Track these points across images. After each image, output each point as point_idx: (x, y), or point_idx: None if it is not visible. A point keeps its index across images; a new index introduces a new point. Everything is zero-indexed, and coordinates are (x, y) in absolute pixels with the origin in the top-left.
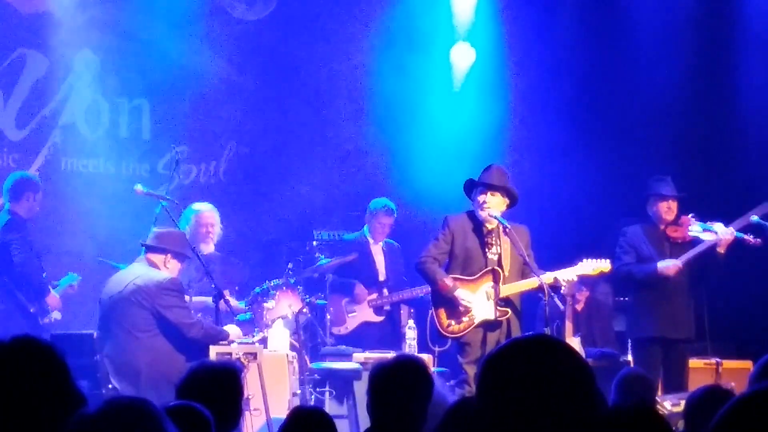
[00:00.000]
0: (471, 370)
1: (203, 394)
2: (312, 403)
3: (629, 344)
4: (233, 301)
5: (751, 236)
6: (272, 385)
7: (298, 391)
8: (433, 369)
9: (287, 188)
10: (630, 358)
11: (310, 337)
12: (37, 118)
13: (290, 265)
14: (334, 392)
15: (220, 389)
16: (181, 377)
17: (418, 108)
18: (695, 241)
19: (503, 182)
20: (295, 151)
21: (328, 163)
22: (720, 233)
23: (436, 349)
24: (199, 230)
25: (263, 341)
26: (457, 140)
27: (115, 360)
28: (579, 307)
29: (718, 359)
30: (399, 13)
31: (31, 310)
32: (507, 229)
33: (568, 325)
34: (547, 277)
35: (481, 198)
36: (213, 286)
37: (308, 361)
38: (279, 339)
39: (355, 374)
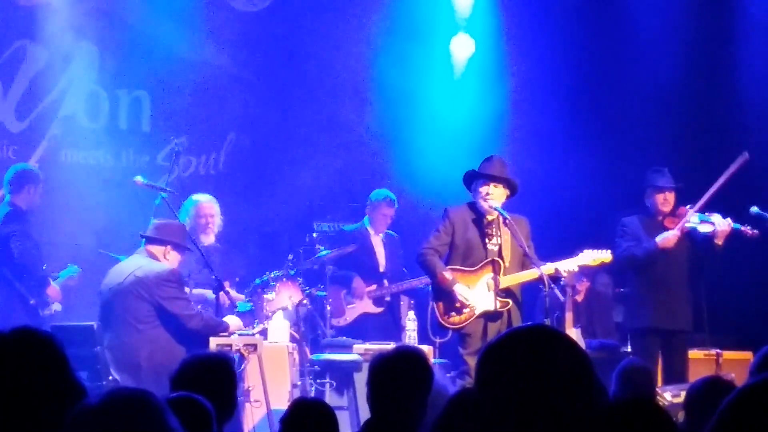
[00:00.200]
0: (472, 361)
1: (197, 386)
2: (312, 394)
3: (628, 335)
4: (233, 293)
5: (749, 227)
6: (272, 377)
7: (299, 383)
8: (433, 360)
9: (287, 180)
10: (630, 349)
11: (310, 328)
12: (37, 110)
13: (290, 257)
14: (334, 384)
15: (213, 380)
16: (174, 369)
17: (418, 99)
18: (692, 233)
19: (505, 173)
20: (295, 143)
21: (328, 155)
22: (717, 224)
23: (437, 340)
24: (199, 221)
25: (263, 333)
26: (457, 131)
27: (115, 351)
28: (579, 298)
29: (718, 350)
30: (399, 3)
31: (32, 302)
32: (507, 221)
33: (569, 316)
34: (548, 268)
35: (484, 189)
36: (213, 277)
37: (308, 353)
38: (279, 330)
39: (355, 365)
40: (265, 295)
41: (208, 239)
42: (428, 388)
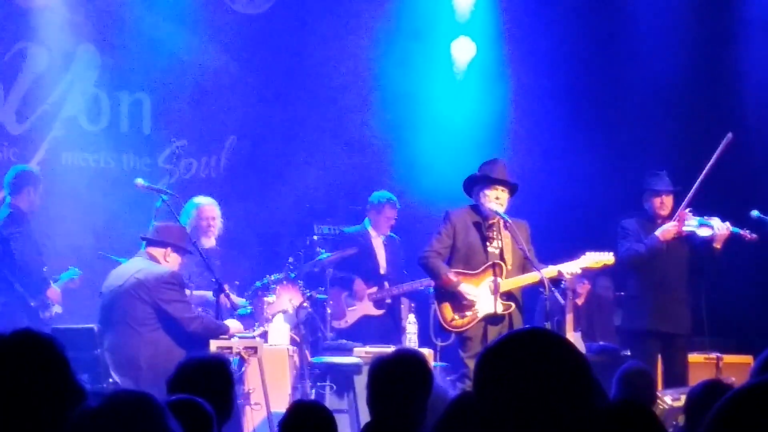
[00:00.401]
0: (472, 364)
1: (194, 388)
2: (312, 397)
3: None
4: (233, 296)
5: (748, 231)
6: (273, 380)
7: (299, 386)
8: (433, 363)
9: (288, 182)
10: (629, 351)
11: (310, 331)
12: (38, 112)
13: (291, 260)
14: (334, 386)
15: (210, 382)
16: (170, 372)
17: (420, 101)
18: (691, 237)
19: (510, 177)
20: (295, 145)
21: (328, 157)
22: (716, 228)
23: (439, 343)
24: (200, 224)
25: (264, 335)
26: (458, 133)
27: (115, 354)
28: (580, 301)
29: (718, 354)
30: (400, 6)
31: (32, 304)
32: (507, 224)
33: (569, 320)
34: (551, 271)
35: (493, 193)
36: (214, 280)
37: (309, 356)
38: (279, 333)
39: (355, 368)
40: (265, 298)
41: (209, 242)
42: (428, 391)
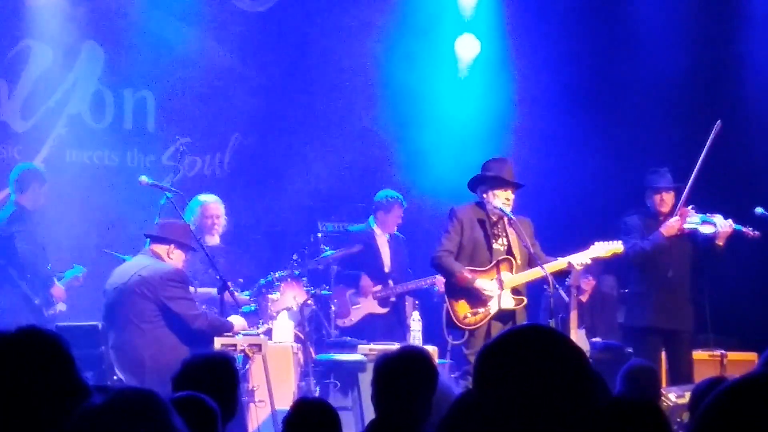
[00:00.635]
0: None
1: (199, 386)
2: (316, 394)
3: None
4: (238, 294)
5: (750, 229)
6: (277, 377)
7: (303, 383)
8: (437, 360)
9: (292, 180)
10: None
11: (314, 328)
12: (42, 110)
13: (295, 257)
14: (338, 384)
15: (215, 379)
16: (175, 370)
17: (424, 99)
18: (694, 234)
19: (516, 176)
20: (299, 143)
21: (333, 155)
22: (719, 225)
23: (452, 341)
24: (205, 221)
25: (268, 333)
26: (461, 131)
27: (119, 351)
28: (584, 298)
29: (722, 351)
30: (404, 3)
31: (36, 302)
32: (512, 221)
33: (573, 317)
34: (561, 263)
35: (503, 195)
36: (218, 277)
37: (313, 353)
38: (284, 330)
39: (359, 366)
40: (269, 296)
41: (213, 240)
42: (433, 388)
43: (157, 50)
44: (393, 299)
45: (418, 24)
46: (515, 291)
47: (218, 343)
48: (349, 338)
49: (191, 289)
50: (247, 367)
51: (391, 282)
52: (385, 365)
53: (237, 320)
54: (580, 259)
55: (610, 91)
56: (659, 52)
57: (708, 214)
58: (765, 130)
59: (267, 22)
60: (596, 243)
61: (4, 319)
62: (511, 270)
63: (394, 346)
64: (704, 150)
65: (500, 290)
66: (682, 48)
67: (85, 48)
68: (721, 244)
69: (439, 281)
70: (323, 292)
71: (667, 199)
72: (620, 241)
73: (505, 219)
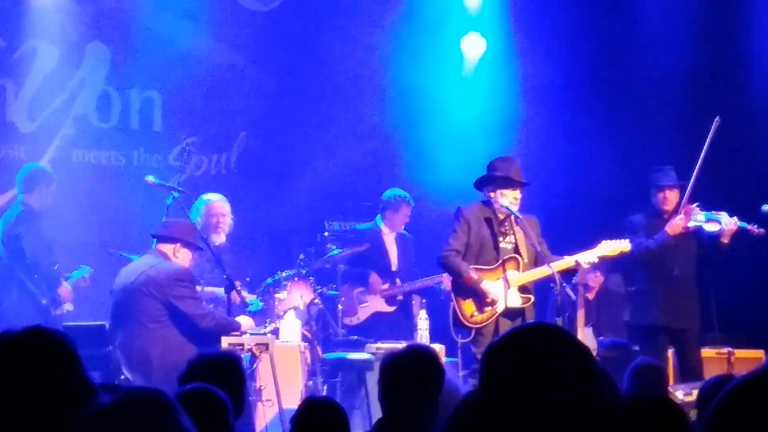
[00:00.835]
0: None
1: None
2: (324, 393)
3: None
4: (245, 293)
5: (755, 226)
6: (284, 376)
7: (310, 382)
8: (444, 359)
9: (298, 179)
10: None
11: (321, 327)
12: (48, 110)
13: (302, 256)
14: (345, 383)
15: (222, 378)
16: (181, 369)
17: (430, 98)
18: (699, 232)
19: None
20: (305, 141)
21: (339, 153)
22: (724, 223)
23: (460, 340)
24: (210, 220)
25: (275, 332)
26: (468, 130)
27: (126, 351)
28: (591, 296)
29: (730, 349)
30: (410, 1)
31: (43, 302)
32: (519, 220)
33: (580, 315)
34: (568, 261)
35: (512, 194)
36: (225, 276)
37: (320, 352)
38: (291, 330)
39: (367, 365)
40: (276, 295)
41: (219, 239)
42: (439, 386)
43: (163, 50)
44: (400, 298)
45: (424, 23)
46: (523, 289)
47: (225, 342)
48: (356, 337)
49: (198, 288)
50: (254, 366)
51: (398, 280)
52: (391, 364)
53: (244, 320)
54: (587, 257)
55: (617, 89)
56: (665, 49)
57: (713, 212)
58: None
59: (273, 21)
60: (603, 241)
61: (11, 318)
62: (518, 268)
63: (402, 345)
64: (705, 147)
65: (506, 289)
66: (689, 45)
67: (91, 48)
68: (726, 241)
69: (446, 280)
70: (330, 291)
71: (671, 197)
72: (627, 240)
73: (512, 217)
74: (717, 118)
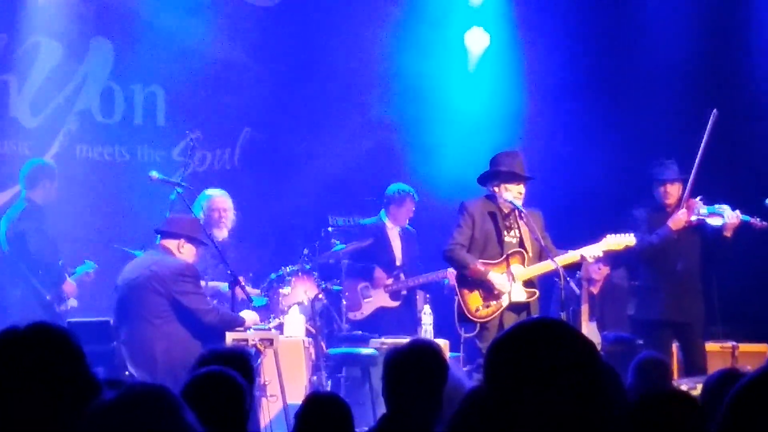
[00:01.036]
0: None
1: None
2: (328, 388)
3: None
4: (249, 288)
5: (758, 219)
6: (289, 372)
7: (314, 378)
8: (448, 354)
9: (302, 174)
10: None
11: (326, 322)
12: (52, 105)
13: (306, 251)
14: (350, 378)
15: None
16: (186, 364)
17: (433, 93)
18: (702, 225)
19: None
20: (309, 137)
21: (343, 149)
22: (726, 216)
23: (464, 334)
24: (212, 215)
25: (279, 327)
26: (472, 124)
27: (131, 347)
28: (595, 290)
29: (734, 343)
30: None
31: (48, 298)
32: (523, 214)
33: (584, 310)
34: (573, 255)
35: (516, 188)
36: (229, 272)
37: (324, 347)
38: (295, 325)
39: (371, 360)
40: (280, 290)
41: (222, 234)
42: (443, 381)
43: (166, 45)
44: (404, 293)
45: (428, 18)
46: (528, 283)
47: (229, 337)
48: (360, 332)
49: (202, 283)
50: (258, 361)
51: (402, 275)
52: (394, 359)
53: (249, 315)
54: (591, 251)
55: (621, 83)
56: (669, 42)
57: (716, 206)
58: None
59: (277, 17)
60: (608, 235)
61: (15, 314)
62: (522, 263)
63: (406, 340)
64: (704, 140)
65: (513, 282)
66: (694, 39)
67: (95, 43)
68: (729, 235)
69: (450, 274)
70: (334, 286)
71: (672, 190)
72: (632, 234)
73: (516, 212)
74: (714, 111)
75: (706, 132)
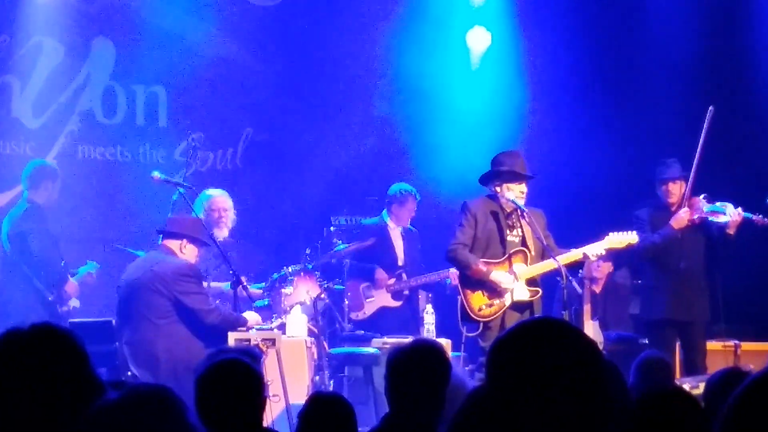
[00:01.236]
0: None
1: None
2: (331, 388)
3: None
4: (251, 288)
5: (760, 216)
6: (291, 372)
7: (317, 378)
8: (451, 353)
9: (304, 174)
10: (647, 340)
11: (328, 322)
12: (54, 106)
13: (308, 251)
14: (352, 377)
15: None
16: (189, 365)
17: (435, 92)
18: (705, 224)
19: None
20: (311, 137)
21: (345, 148)
22: (729, 214)
23: (468, 334)
24: (212, 215)
25: (281, 327)
26: (474, 123)
27: (133, 347)
28: (597, 289)
29: (736, 341)
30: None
31: (50, 298)
32: (525, 213)
33: (587, 309)
34: (576, 254)
35: (518, 188)
36: (231, 272)
37: (326, 347)
38: (297, 325)
39: (373, 359)
40: (282, 290)
41: (222, 233)
42: (445, 381)
43: (168, 45)
44: (406, 292)
45: (430, 17)
46: (530, 282)
47: (232, 337)
48: (362, 332)
49: (204, 283)
50: (261, 361)
51: (404, 275)
52: (397, 359)
53: (251, 316)
54: (594, 249)
55: (623, 82)
56: (672, 41)
57: (718, 203)
58: None
59: (278, 16)
60: (611, 233)
61: (17, 315)
62: (525, 262)
63: (408, 340)
64: (702, 137)
65: (516, 281)
66: (697, 37)
67: (96, 44)
68: (732, 233)
69: (453, 275)
70: (336, 286)
71: (674, 189)
72: (635, 232)
73: (519, 211)
74: (710, 108)
75: (704, 128)
